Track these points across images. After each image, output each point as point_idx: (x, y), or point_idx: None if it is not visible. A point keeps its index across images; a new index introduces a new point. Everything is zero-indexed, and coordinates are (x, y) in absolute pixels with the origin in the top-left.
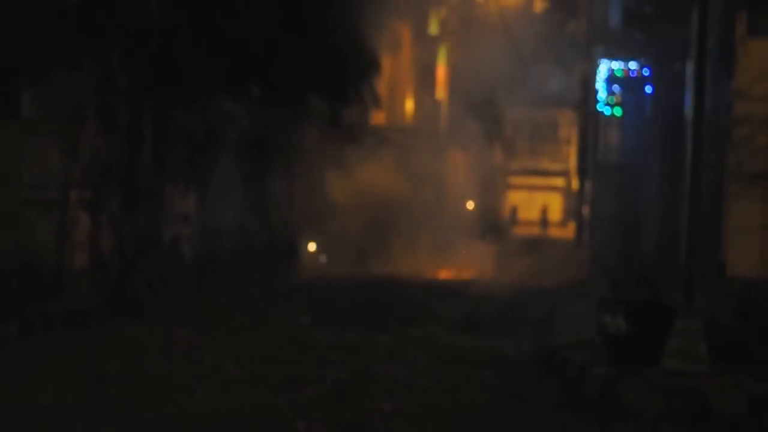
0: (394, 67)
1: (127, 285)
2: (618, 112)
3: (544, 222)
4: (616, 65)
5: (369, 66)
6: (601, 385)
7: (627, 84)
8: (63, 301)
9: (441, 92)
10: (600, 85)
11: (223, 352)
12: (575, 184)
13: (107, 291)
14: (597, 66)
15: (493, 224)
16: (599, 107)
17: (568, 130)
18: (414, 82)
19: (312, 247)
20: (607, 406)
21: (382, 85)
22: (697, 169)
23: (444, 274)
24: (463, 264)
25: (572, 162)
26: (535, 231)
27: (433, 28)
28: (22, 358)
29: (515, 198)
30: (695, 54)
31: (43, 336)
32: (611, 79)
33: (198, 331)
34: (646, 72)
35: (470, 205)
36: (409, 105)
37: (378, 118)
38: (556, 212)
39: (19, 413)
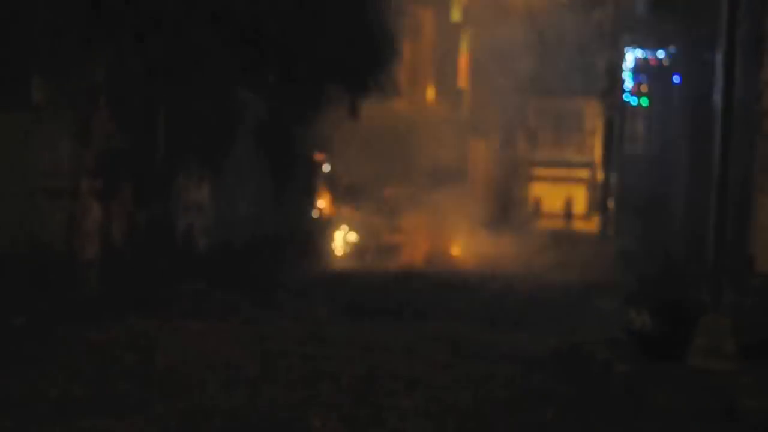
0: (415, 54)
1: (139, 276)
2: (645, 102)
3: (568, 215)
4: (643, 54)
5: (389, 53)
6: (626, 382)
7: (654, 73)
8: (73, 293)
9: (463, 80)
10: (626, 74)
11: (237, 346)
12: (600, 176)
13: (118, 282)
14: (623, 55)
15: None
16: (625, 97)
17: (594, 120)
18: (436, 69)
19: (332, 237)
20: (631, 404)
21: (402, 73)
22: (726, 162)
23: (465, 267)
24: (484, 257)
25: (597, 153)
26: (559, 224)
27: (456, 15)
28: (31, 350)
29: (538, 190)
30: (725, 43)
31: (52, 328)
32: (638, 68)
33: (212, 325)
34: (673, 61)
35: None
36: (431, 93)
37: (399, 106)
38: (580, 205)
39: (27, 407)
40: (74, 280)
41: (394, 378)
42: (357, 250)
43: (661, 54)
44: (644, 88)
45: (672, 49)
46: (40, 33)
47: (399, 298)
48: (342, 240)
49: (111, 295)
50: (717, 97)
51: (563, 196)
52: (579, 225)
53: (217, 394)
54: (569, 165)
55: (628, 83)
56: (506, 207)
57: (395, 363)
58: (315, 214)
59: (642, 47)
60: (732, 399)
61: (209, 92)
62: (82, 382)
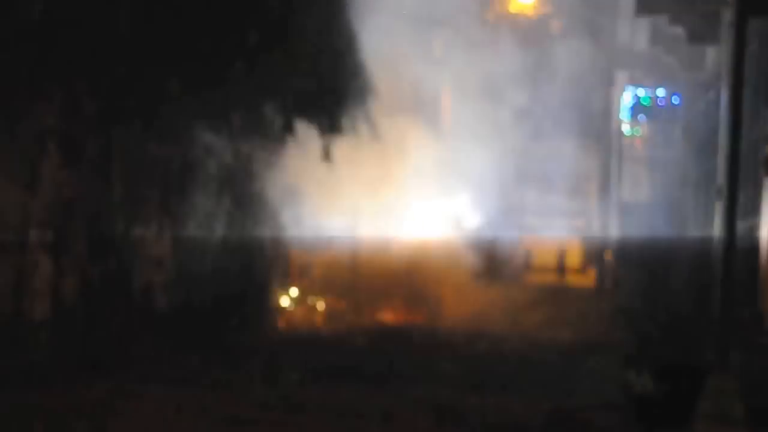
0: (394, 91)
1: (93, 338)
2: (645, 143)
3: (561, 268)
4: (642, 92)
5: (364, 92)
6: None
7: (654, 113)
8: (21, 355)
9: (446, 120)
10: (624, 114)
11: (200, 413)
12: (596, 224)
13: (71, 344)
14: (621, 93)
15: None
16: (623, 138)
17: (589, 164)
18: (416, 108)
19: (297, 293)
20: None
21: (382, 111)
22: (733, 210)
23: (448, 324)
24: (469, 313)
25: (593, 200)
26: (552, 278)
27: (438, 50)
28: None
29: (528, 240)
30: (731, 80)
31: None
32: (637, 107)
33: (172, 390)
34: (675, 100)
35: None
36: (411, 132)
37: (377, 147)
38: (574, 256)
39: None
40: (22, 342)
41: None
42: (329, 306)
43: (661, 92)
44: (644, 129)
45: (674, 86)
46: None
47: (376, 359)
48: (312, 295)
49: (62, 357)
50: (723, 139)
51: (556, 247)
52: (573, 279)
53: None
54: (562, 213)
55: (626, 123)
56: (494, 258)
57: (372, 431)
58: (285, 265)
59: (641, 85)
60: None
61: (168, 136)
62: None
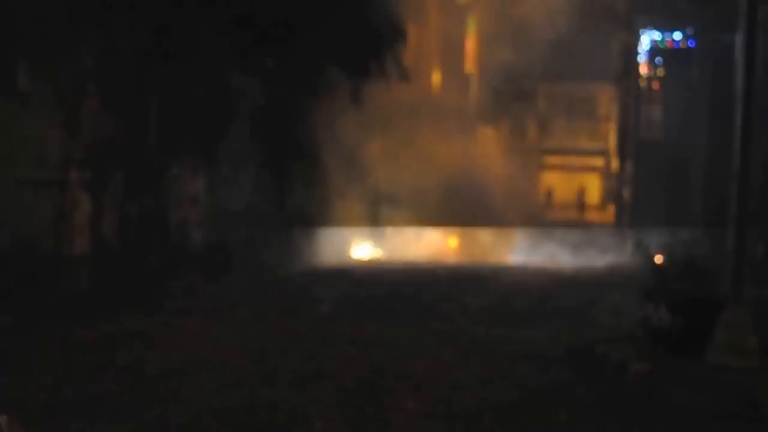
0: (420, 37)
1: (130, 272)
2: (661, 86)
3: (581, 205)
4: (659, 36)
5: (393, 36)
6: (643, 381)
7: (671, 56)
8: (62, 289)
9: (470, 65)
10: (642, 57)
11: (235, 345)
12: (615, 164)
13: (109, 278)
14: (638, 37)
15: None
16: (641, 81)
17: (608, 106)
18: (442, 54)
19: (332, 229)
20: (649, 404)
21: (407, 58)
22: (746, 150)
23: (474, 259)
24: (493, 249)
25: (612, 140)
26: (572, 215)
27: None
28: (18, 350)
29: (550, 179)
30: (745, 23)
31: (40, 327)
32: (654, 50)
33: (207, 323)
34: (691, 43)
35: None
36: (437, 79)
37: (404, 92)
38: (594, 194)
39: (14, 411)
40: (63, 277)
41: (400, 378)
42: (361, 243)
43: (678, 36)
44: (661, 72)
45: (690, 30)
46: (26, 18)
47: (404, 293)
48: (346, 232)
49: (102, 291)
50: (737, 80)
51: (576, 186)
52: (593, 215)
53: (213, 395)
54: (582, 153)
55: (644, 66)
56: (517, 197)
57: (401, 362)
58: (316, 204)
59: (658, 29)
60: (755, 397)
61: (204, 78)
62: (72, 383)
